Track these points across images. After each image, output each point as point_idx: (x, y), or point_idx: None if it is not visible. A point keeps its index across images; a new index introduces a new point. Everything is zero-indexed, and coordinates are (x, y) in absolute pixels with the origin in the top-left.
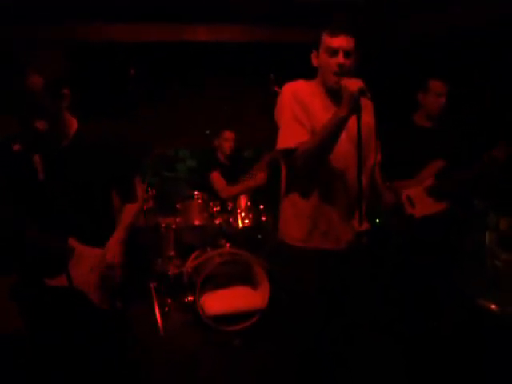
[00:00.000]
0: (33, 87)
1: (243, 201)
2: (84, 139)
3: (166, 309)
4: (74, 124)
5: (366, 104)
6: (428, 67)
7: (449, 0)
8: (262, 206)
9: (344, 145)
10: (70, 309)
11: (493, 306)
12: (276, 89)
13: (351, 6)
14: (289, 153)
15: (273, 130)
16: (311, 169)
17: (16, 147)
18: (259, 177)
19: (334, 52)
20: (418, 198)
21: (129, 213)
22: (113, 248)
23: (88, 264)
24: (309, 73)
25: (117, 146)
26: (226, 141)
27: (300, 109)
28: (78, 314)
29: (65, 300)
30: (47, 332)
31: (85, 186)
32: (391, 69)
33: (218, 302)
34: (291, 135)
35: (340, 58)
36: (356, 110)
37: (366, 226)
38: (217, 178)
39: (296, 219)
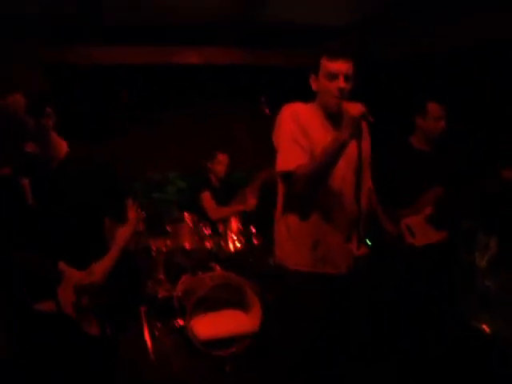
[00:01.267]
0: (13, 106)
1: (234, 224)
2: (74, 162)
3: (156, 333)
4: (63, 146)
5: (364, 128)
6: (424, 88)
7: (441, 18)
8: (253, 230)
9: (341, 169)
10: (58, 334)
11: (484, 327)
12: (267, 112)
13: (339, 30)
14: (288, 175)
15: (263, 152)
16: (310, 192)
17: (5, 171)
18: (249, 202)
19: (333, 76)
20: (418, 227)
21: (120, 236)
22: (98, 268)
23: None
24: (300, 95)
25: (108, 168)
26: (220, 163)
27: (299, 131)
28: (66, 339)
29: (53, 325)
30: (35, 357)
31: (75, 209)
32: (384, 89)
33: (209, 326)
34: (291, 157)
35: (340, 82)
36: (357, 133)
37: (363, 250)
38: (207, 199)
39: (293, 243)
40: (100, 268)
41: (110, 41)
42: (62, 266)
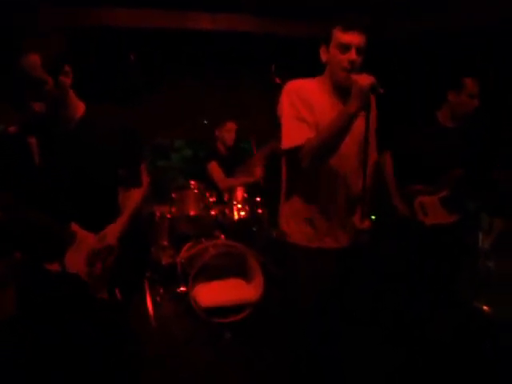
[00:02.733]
0: (29, 64)
1: (240, 193)
2: (91, 123)
3: (158, 299)
4: (80, 108)
5: (371, 100)
6: (460, 63)
7: None
8: (258, 199)
9: (345, 143)
10: (67, 295)
11: (485, 307)
12: (277, 80)
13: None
14: (293, 151)
15: (272, 121)
16: (317, 166)
17: (11, 129)
18: (256, 172)
19: (345, 48)
20: (431, 207)
21: (134, 199)
22: (112, 231)
23: (88, 249)
24: (310, 66)
25: (125, 131)
26: (229, 132)
27: (304, 106)
28: (75, 301)
29: (63, 286)
30: (42, 318)
31: (90, 170)
32: (414, 62)
33: (211, 293)
34: (296, 134)
35: (352, 54)
36: (366, 106)
37: (367, 223)
38: (215, 169)
39: (297, 218)
40: (113, 232)
41: (125, 3)
42: (74, 227)
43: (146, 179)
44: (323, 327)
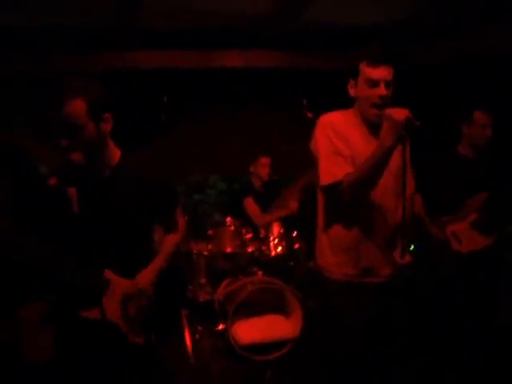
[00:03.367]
0: (75, 110)
1: (276, 228)
2: (126, 170)
3: (197, 336)
4: (117, 154)
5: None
6: (470, 97)
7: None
8: (294, 234)
9: (381, 176)
10: (102, 342)
11: None
12: (309, 114)
13: (377, 32)
14: (332, 186)
15: (303, 155)
16: (356, 201)
17: (52, 181)
18: (292, 205)
19: (374, 83)
20: (465, 234)
21: (169, 244)
22: (145, 276)
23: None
24: (341, 99)
25: (159, 177)
26: (264, 167)
27: (340, 140)
28: (110, 347)
29: (98, 333)
30: (79, 362)
31: (125, 217)
32: (432, 97)
33: (250, 330)
34: (334, 169)
35: (382, 90)
36: (402, 139)
37: (408, 258)
38: (251, 205)
39: (335, 254)
40: (147, 276)
41: (151, 45)
42: (108, 274)
43: (182, 222)
44: (363, 365)
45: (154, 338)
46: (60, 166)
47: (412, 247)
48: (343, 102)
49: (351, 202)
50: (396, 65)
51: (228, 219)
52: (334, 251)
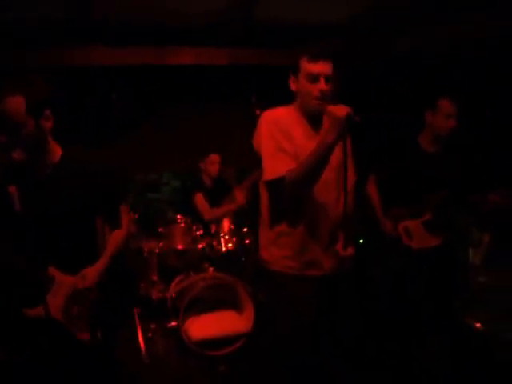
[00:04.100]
0: (13, 107)
1: (226, 224)
2: (68, 168)
3: (150, 334)
4: (57, 152)
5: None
6: (437, 85)
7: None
8: (245, 229)
9: (324, 172)
10: (49, 340)
11: (477, 325)
12: (257, 112)
13: (335, 27)
14: (276, 182)
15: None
16: (299, 196)
17: None
18: (239, 198)
19: (314, 78)
20: (416, 231)
21: (113, 241)
22: (90, 273)
23: (66, 292)
24: (289, 95)
25: (102, 174)
26: (212, 164)
27: (283, 137)
28: (55, 345)
29: (44, 331)
30: (26, 362)
31: (68, 214)
32: (394, 85)
33: (203, 326)
34: (277, 165)
35: (321, 84)
36: (343, 135)
37: (350, 250)
38: (200, 200)
39: (280, 248)
40: (92, 273)
41: (107, 42)
42: (52, 271)
43: (126, 220)
44: (307, 356)
45: (100, 336)
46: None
47: (361, 241)
48: (291, 98)
49: (294, 197)
50: (351, 60)
51: (179, 216)
52: (278, 245)
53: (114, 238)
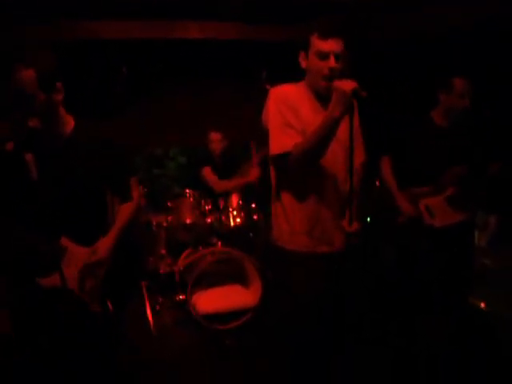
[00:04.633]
0: (25, 80)
1: (235, 199)
2: (81, 139)
3: (158, 307)
4: (70, 123)
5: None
6: (449, 63)
7: None
8: (253, 205)
9: (331, 147)
10: (61, 309)
11: (482, 305)
12: (267, 86)
13: (342, 4)
14: (282, 157)
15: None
16: (304, 171)
17: (8, 146)
18: (252, 174)
19: (324, 56)
20: (438, 208)
21: (124, 213)
22: (102, 246)
23: (79, 263)
24: (297, 71)
25: (114, 146)
26: (212, 142)
27: (291, 112)
28: (69, 314)
29: (57, 300)
30: (37, 333)
31: (80, 185)
32: (409, 64)
33: (210, 300)
34: (284, 140)
35: (331, 62)
36: (349, 110)
37: (355, 226)
38: (208, 173)
39: (289, 225)
40: (104, 246)
41: (112, 15)
42: (64, 241)
43: (136, 192)
44: (317, 333)
45: (111, 307)
46: (16, 133)
47: (368, 219)
48: (299, 74)
49: (300, 172)
50: (364, 37)
51: (187, 191)
52: (288, 221)
53: (125, 211)
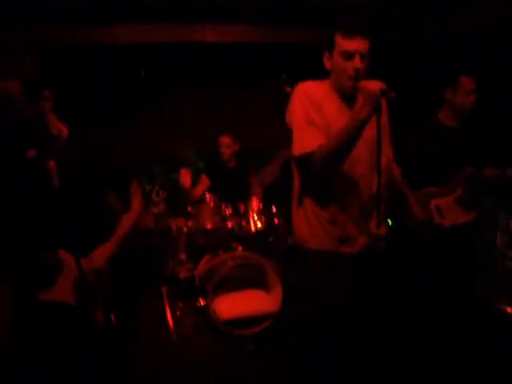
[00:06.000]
0: (9, 92)
1: (255, 204)
2: (73, 148)
3: (178, 313)
4: (64, 130)
5: (382, 104)
6: (455, 63)
7: None
8: (274, 209)
9: (356, 148)
10: (60, 323)
11: (508, 308)
12: (288, 89)
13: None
14: (306, 157)
15: (283, 132)
16: (329, 172)
17: (30, 154)
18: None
19: (349, 55)
20: (448, 208)
21: (124, 223)
22: (97, 255)
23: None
24: (315, 73)
25: (103, 158)
26: (222, 146)
27: (314, 110)
28: (68, 328)
29: (57, 314)
30: (38, 346)
31: (75, 195)
32: (413, 64)
33: (231, 305)
34: (308, 140)
35: (356, 62)
36: (377, 110)
37: (383, 229)
38: (184, 176)
39: (311, 225)
40: (100, 254)
41: (123, 19)
42: (62, 253)
43: (137, 199)
44: (340, 334)
45: (114, 319)
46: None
47: (390, 223)
48: (321, 76)
49: (324, 172)
50: (376, 37)
51: (207, 195)
52: (310, 222)
53: (125, 221)
